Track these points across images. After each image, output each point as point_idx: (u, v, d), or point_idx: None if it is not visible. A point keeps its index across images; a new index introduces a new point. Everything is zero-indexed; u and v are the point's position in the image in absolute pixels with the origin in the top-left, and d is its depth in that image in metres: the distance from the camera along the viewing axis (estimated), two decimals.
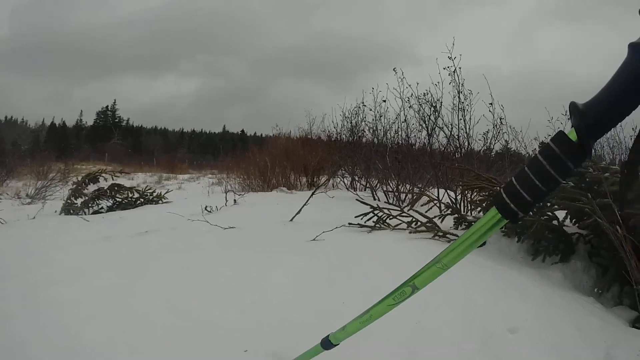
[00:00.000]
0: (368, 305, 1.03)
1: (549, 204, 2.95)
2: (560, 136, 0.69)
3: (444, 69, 5.75)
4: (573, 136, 0.67)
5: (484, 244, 2.91)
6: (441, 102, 5.97)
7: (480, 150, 6.10)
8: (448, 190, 5.28)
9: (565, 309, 2.14)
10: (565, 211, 3.00)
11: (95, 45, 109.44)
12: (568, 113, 0.72)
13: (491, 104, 5.67)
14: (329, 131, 9.71)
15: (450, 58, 5.59)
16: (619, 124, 0.69)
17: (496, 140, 5.93)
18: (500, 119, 5.75)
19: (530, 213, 2.87)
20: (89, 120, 67.40)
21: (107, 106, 67.19)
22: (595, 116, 0.66)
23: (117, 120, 66.31)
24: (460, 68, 5.68)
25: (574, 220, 2.99)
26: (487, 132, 5.90)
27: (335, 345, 1.13)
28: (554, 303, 2.18)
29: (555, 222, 2.98)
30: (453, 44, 5.57)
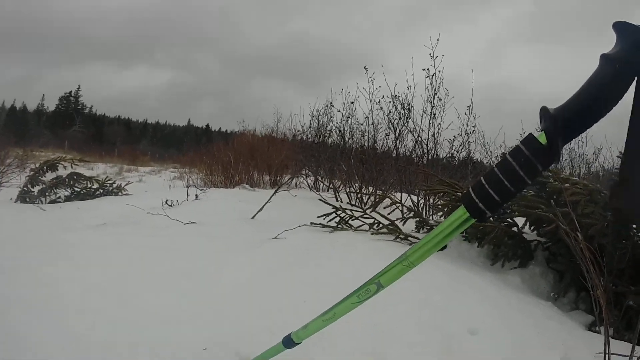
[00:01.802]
0: (330, 304, 1.00)
1: (509, 211, 3.01)
2: (529, 138, 0.69)
3: (423, 70, 5.63)
4: (543, 139, 0.68)
5: (444, 247, 2.96)
6: (412, 105, 5.95)
7: (444, 158, 6.07)
8: (411, 195, 5.31)
9: (524, 312, 2.18)
10: (525, 218, 3.07)
11: (70, 30, 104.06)
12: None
13: (469, 106, 5.59)
14: (295, 130, 9.60)
15: (431, 56, 5.47)
16: (586, 132, 0.72)
17: (462, 149, 5.88)
18: (473, 125, 5.68)
19: (491, 218, 2.92)
20: (51, 105, 63.62)
21: (70, 92, 63.27)
22: (565, 120, 0.67)
23: (79, 108, 62.81)
24: (440, 71, 5.56)
25: (532, 227, 3.06)
26: (455, 138, 5.83)
27: (298, 343, 1.09)
28: (513, 306, 2.22)
29: (514, 228, 3.05)
30: (438, 40, 5.47)
